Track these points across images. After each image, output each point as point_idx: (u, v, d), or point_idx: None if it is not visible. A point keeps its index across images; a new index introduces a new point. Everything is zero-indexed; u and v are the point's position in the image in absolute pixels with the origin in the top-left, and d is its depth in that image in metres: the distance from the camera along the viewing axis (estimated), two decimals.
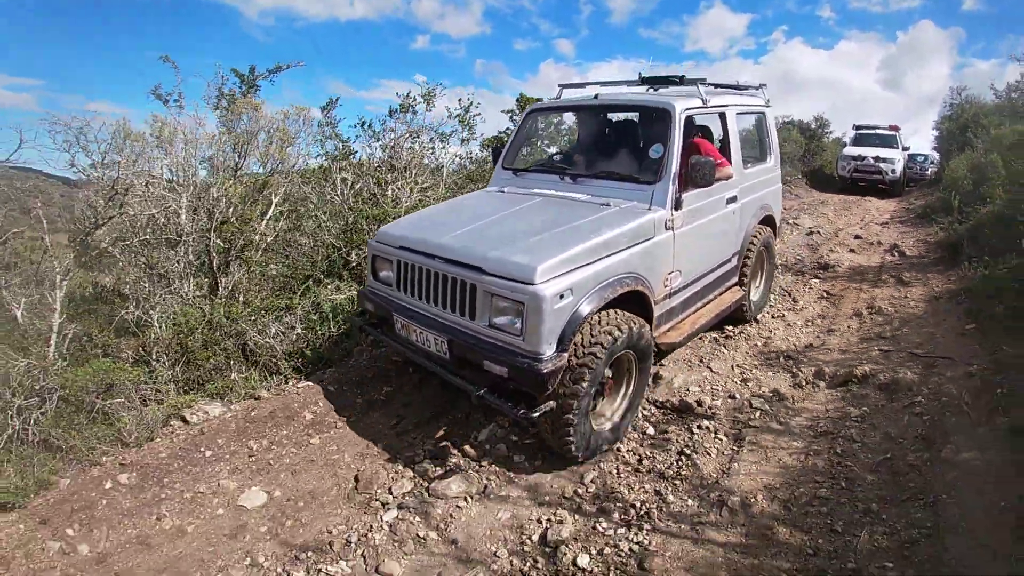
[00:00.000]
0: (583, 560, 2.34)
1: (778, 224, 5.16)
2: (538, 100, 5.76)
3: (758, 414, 3.46)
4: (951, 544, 2.22)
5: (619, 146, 4.05)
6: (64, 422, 3.21)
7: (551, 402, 2.68)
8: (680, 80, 3.97)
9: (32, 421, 3.08)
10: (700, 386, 3.79)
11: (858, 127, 15.36)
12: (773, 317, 5.13)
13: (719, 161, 3.68)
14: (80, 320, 4.31)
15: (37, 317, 4.07)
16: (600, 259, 2.85)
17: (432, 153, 5.80)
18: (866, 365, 3.90)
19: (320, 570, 2.39)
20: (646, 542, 2.44)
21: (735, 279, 4.44)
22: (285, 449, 3.24)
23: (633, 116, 4.22)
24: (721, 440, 3.20)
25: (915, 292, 5.56)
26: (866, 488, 2.68)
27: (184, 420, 3.51)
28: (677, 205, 3.36)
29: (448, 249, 2.98)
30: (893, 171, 13.40)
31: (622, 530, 2.52)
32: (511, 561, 2.40)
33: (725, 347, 4.43)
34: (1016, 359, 3.49)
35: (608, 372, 2.98)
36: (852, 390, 3.67)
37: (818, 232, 8.74)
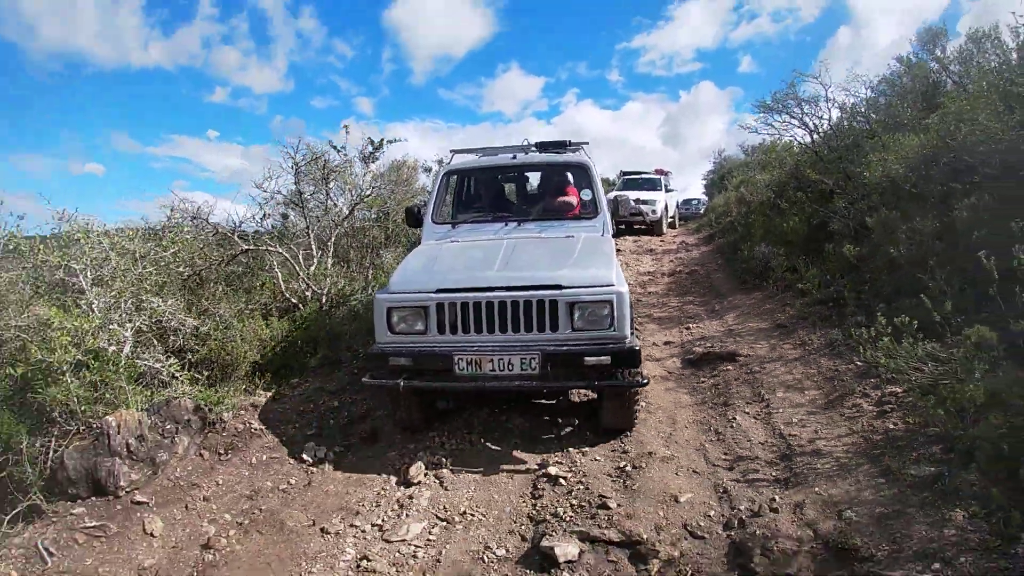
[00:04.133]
0: None
1: None
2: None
3: (647, 280, 10.07)
4: (715, 284, 8.97)
5: (545, 193, 5.94)
6: None
7: (641, 370, 3.99)
8: (567, 144, 5.76)
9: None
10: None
11: (625, 173, 18.90)
12: (638, 263, 11.93)
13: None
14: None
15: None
16: (619, 272, 4.15)
17: None
18: (679, 268, 10.89)
19: None
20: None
21: None
22: None
23: (544, 170, 6.04)
24: (640, 267, 9.67)
25: (694, 253, 13.05)
26: (690, 283, 9.47)
27: None
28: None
29: (511, 279, 3.94)
30: (653, 211, 16.13)
31: None
32: None
33: (629, 267, 11.03)
34: (731, 260, 10.74)
35: None
36: (675, 276, 10.51)
37: (640, 241, 16.31)
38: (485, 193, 6.06)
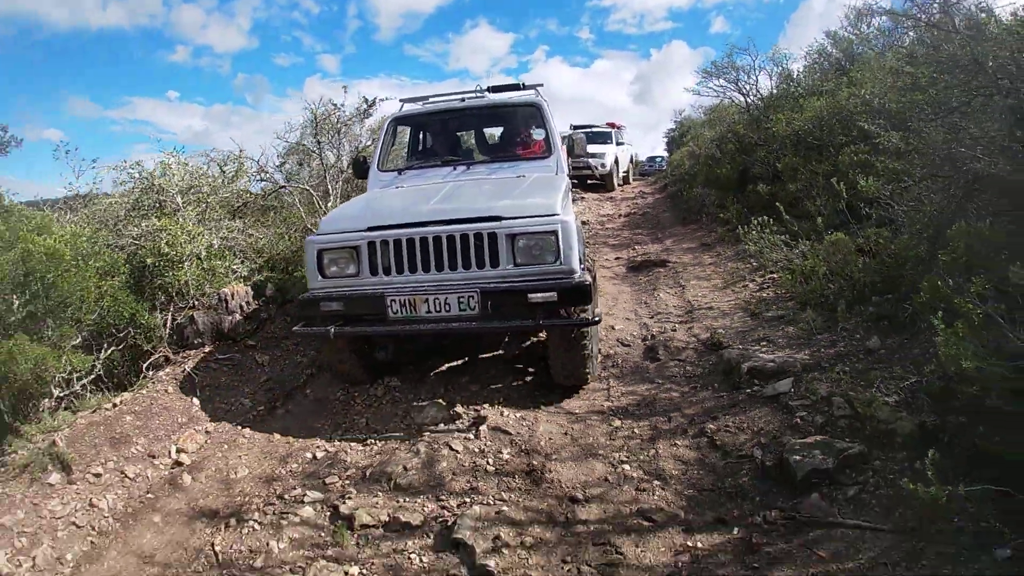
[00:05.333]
0: None
1: None
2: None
3: (605, 220, 11.88)
4: (662, 220, 10.83)
5: (498, 136, 6.01)
6: None
7: (595, 309, 3.90)
8: (521, 86, 5.69)
9: None
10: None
11: (575, 127, 17.93)
12: (600, 207, 13.71)
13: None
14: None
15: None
16: (565, 204, 4.01)
17: None
18: (634, 211, 12.74)
19: None
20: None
21: None
22: None
23: (495, 112, 5.80)
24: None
25: (649, 200, 14.91)
26: (642, 220, 11.30)
27: None
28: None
29: (446, 212, 3.79)
30: (603, 165, 16.09)
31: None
32: None
33: (591, 210, 12.82)
34: (677, 203, 12.60)
35: None
36: (629, 217, 12.32)
37: (601, 192, 18.14)
38: (435, 140, 5.94)
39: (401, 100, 5.89)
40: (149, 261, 5.60)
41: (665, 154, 27.72)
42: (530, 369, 4.60)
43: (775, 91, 11.21)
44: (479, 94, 5.67)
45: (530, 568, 2.49)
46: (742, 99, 12.23)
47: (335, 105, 9.70)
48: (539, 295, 3.51)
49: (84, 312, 4.61)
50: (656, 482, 2.99)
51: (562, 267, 3.60)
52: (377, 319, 3.80)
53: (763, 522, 2.59)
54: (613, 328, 5.22)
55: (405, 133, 6.30)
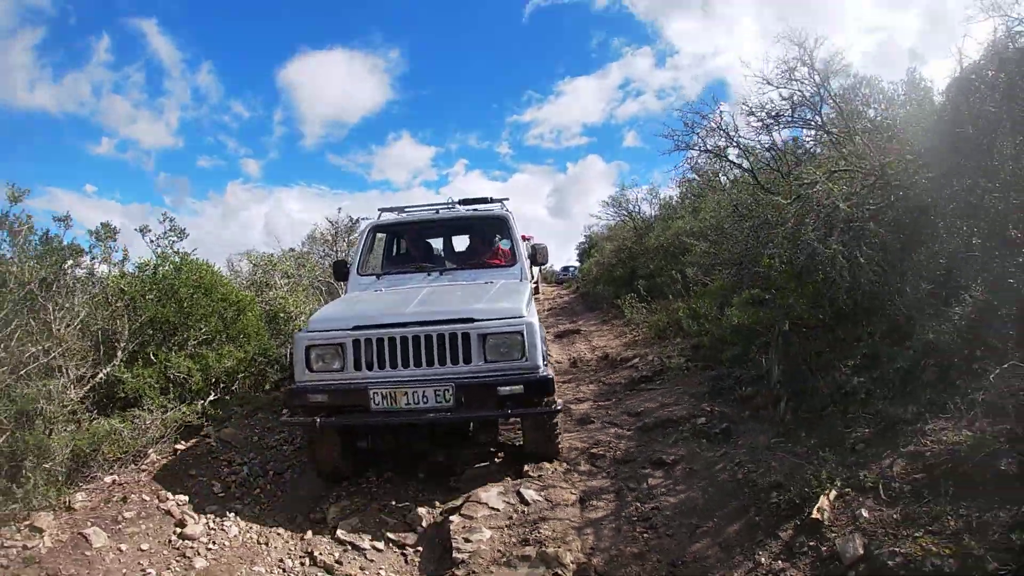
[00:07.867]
0: None
1: None
2: None
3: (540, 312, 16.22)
4: (575, 310, 15.27)
5: (467, 245, 6.80)
6: None
7: (558, 400, 4.37)
8: (490, 200, 6.41)
9: None
10: None
11: None
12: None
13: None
14: None
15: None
16: (530, 307, 4.55)
17: None
18: (554, 307, 17.26)
19: None
20: None
21: None
22: None
23: (465, 223, 6.52)
24: None
25: (566, 299, 19.61)
26: (560, 311, 15.72)
27: None
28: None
29: (424, 314, 4.25)
30: None
31: None
32: None
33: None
34: (586, 296, 17.17)
35: None
36: (552, 310, 16.74)
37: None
38: (410, 248, 6.55)
39: (380, 209, 6.47)
40: (281, 316, 9.22)
41: (577, 263, 32.78)
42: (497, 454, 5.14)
43: (654, 214, 16.26)
44: (451, 206, 6.37)
45: None
46: (631, 221, 17.26)
47: (330, 222, 13.89)
48: (507, 388, 4.01)
49: (249, 343, 7.35)
50: (580, 393, 7.05)
51: (527, 363, 4.09)
52: (360, 410, 4.16)
53: (623, 393, 6.69)
54: (551, 355, 9.34)
55: (382, 240, 6.81)
